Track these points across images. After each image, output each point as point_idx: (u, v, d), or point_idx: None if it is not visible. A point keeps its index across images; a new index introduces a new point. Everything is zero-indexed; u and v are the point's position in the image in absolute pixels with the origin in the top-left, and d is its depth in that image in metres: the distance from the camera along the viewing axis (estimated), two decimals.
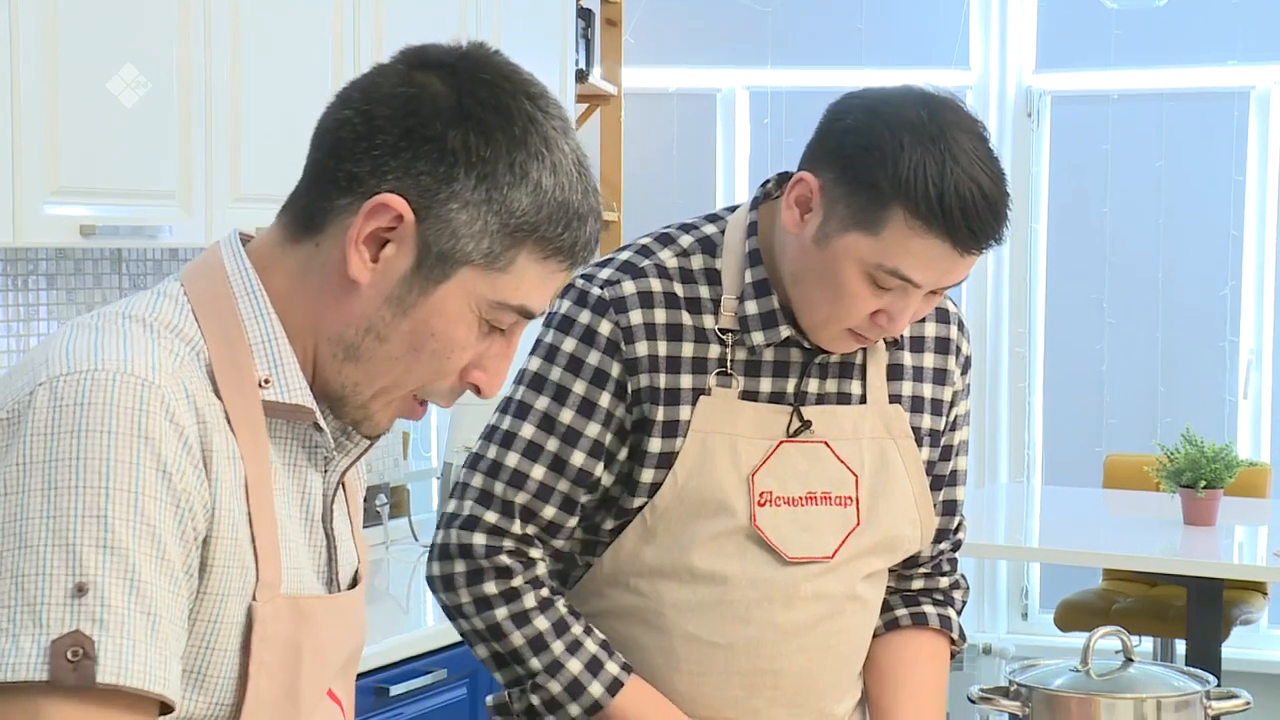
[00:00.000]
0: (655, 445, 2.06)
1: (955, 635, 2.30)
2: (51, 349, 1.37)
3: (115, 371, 1.32)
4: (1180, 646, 5.22)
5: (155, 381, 1.33)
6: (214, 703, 1.38)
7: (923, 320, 2.19)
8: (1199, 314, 6.12)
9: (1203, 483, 4.79)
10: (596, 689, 2.07)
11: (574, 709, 2.08)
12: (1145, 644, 5.35)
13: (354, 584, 1.54)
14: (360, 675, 3.15)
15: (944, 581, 2.31)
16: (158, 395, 1.32)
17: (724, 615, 2.10)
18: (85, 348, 1.35)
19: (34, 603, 1.27)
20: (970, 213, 1.92)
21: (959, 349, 2.23)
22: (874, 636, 2.26)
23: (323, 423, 1.45)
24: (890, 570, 2.25)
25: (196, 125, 3.17)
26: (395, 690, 3.28)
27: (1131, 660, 2.42)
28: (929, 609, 2.28)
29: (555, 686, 2.07)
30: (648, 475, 2.07)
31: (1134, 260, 6.16)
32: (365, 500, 4.18)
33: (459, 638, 3.41)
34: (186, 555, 1.33)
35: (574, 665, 2.07)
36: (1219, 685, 2.40)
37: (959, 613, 2.32)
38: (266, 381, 1.41)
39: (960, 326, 2.24)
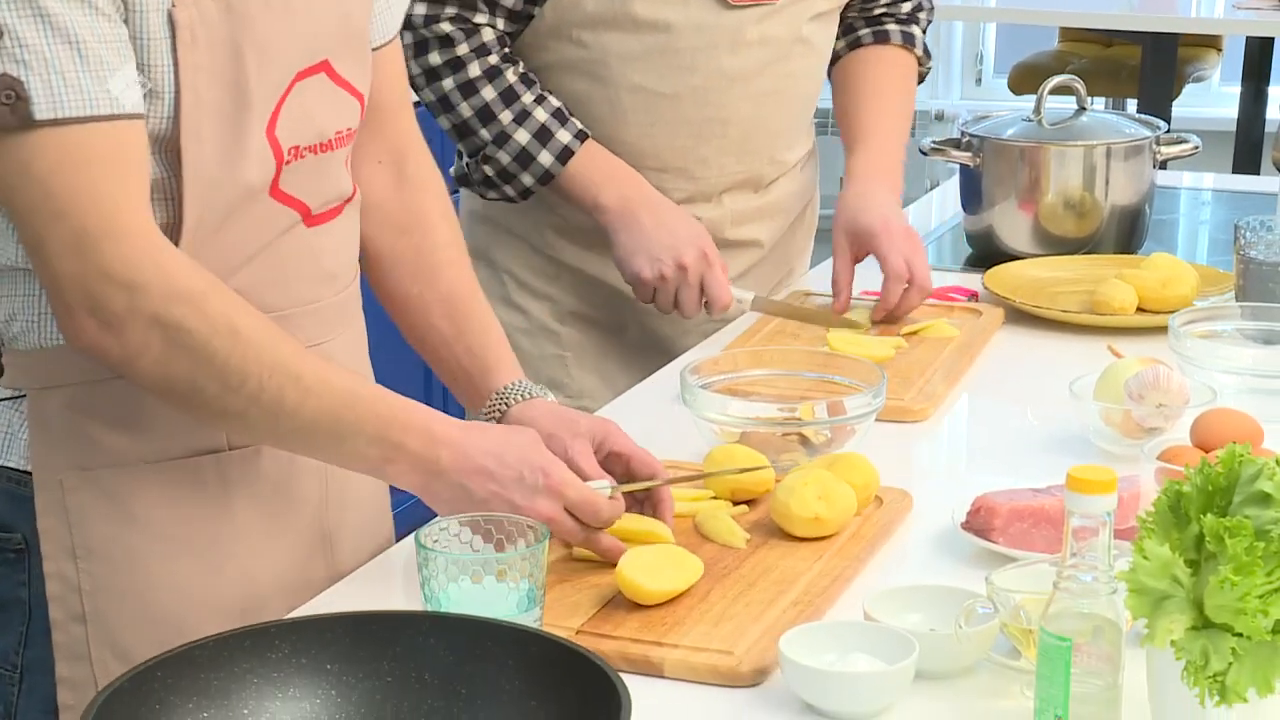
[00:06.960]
0: None
1: (919, 52, 2.30)
2: None
3: None
4: (1132, 105, 5.23)
5: None
6: (162, 116, 1.38)
7: None
8: None
9: None
10: (546, 158, 2.05)
11: (526, 178, 2.06)
12: (1098, 104, 5.35)
13: None
14: None
15: (906, 6, 2.30)
16: None
17: (669, 64, 2.06)
18: None
19: None
20: None
21: None
22: (836, 59, 2.26)
23: None
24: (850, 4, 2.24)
25: None
26: None
27: (1084, 110, 2.41)
28: (891, 26, 2.27)
29: (504, 157, 2.05)
30: None
31: None
32: None
33: None
34: None
35: (521, 135, 2.04)
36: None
37: (923, 31, 2.31)
38: None
39: None
